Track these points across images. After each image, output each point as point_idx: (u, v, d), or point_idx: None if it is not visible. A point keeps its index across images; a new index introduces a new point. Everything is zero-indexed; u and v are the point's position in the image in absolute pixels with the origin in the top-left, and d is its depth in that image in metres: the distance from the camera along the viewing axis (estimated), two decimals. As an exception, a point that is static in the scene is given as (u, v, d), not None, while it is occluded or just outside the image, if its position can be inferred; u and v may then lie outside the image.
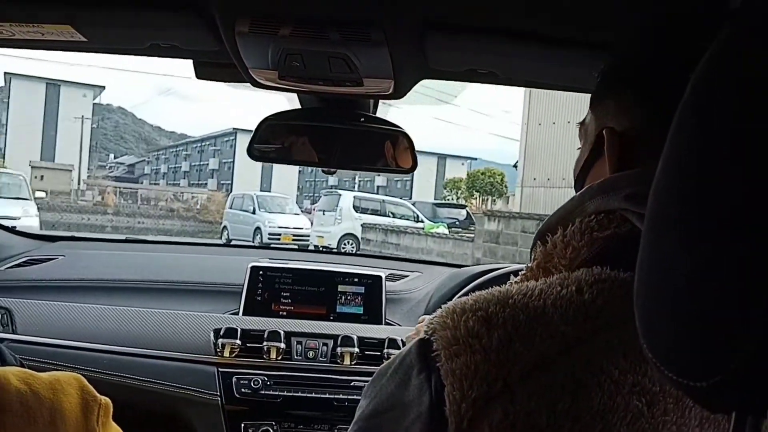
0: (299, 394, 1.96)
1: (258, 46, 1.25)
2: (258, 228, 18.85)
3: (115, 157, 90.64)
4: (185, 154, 71.96)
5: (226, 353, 1.96)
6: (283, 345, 1.99)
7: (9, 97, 50.94)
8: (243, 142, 50.13)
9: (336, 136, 1.73)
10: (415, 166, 1.75)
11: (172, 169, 73.98)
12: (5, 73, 50.21)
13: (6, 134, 50.12)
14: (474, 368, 0.62)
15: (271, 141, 1.73)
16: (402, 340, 1.99)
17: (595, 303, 0.64)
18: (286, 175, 53.70)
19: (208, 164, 64.46)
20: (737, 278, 0.40)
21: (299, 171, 54.88)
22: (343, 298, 2.20)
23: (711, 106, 0.43)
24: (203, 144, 68.04)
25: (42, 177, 41.01)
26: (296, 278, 2.21)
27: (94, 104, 53.66)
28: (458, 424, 0.62)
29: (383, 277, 2.24)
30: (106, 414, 0.93)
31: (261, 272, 2.19)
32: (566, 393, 0.60)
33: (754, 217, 0.39)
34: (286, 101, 1.79)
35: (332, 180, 48.78)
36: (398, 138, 1.73)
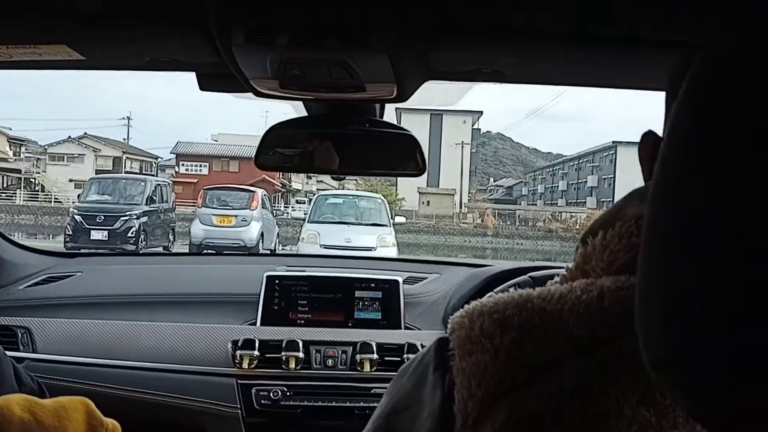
0: (319, 403, 1.95)
1: (256, 56, 1.23)
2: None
3: (494, 181, 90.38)
4: (562, 173, 71.31)
5: (245, 364, 1.95)
6: (301, 354, 1.98)
7: None
8: (624, 155, 51.48)
9: (343, 142, 1.72)
10: (424, 167, 1.74)
11: (549, 189, 73.49)
12: (396, 108, 50.68)
13: None
14: (483, 367, 0.62)
15: (278, 150, 1.72)
16: (422, 345, 1.98)
17: (614, 309, 0.63)
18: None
19: (586, 182, 62.94)
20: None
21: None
22: (361, 304, 2.19)
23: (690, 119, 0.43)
24: (580, 161, 66.80)
25: (428, 202, 44.17)
26: (312, 286, 2.20)
27: (473, 129, 55.23)
28: (464, 421, 0.62)
29: (400, 281, 2.23)
30: None
31: (277, 281, 2.18)
32: (573, 398, 0.60)
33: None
34: (293, 110, 1.78)
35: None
36: (405, 140, 1.72)
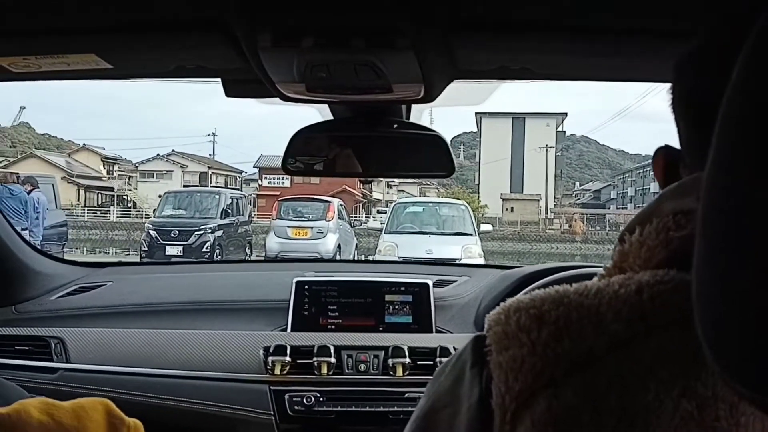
0: (353, 408, 1.94)
1: (282, 60, 1.23)
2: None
3: (580, 185, 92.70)
4: (653, 175, 71.70)
5: (277, 371, 1.95)
6: (333, 360, 1.97)
7: (480, 135, 54.95)
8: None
9: (370, 145, 1.71)
10: (453, 168, 1.71)
11: (640, 192, 72.74)
12: (476, 113, 54.34)
13: (479, 170, 53.91)
14: (521, 361, 0.62)
15: (305, 154, 1.71)
16: (454, 347, 1.95)
17: (653, 303, 0.62)
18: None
19: (677, 182, 63.12)
20: None
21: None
22: (391, 308, 2.17)
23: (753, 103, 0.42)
24: (673, 161, 67.13)
25: (512, 208, 44.03)
26: (342, 291, 2.19)
27: (557, 132, 55.12)
28: (503, 416, 0.62)
29: (431, 284, 2.21)
30: None
31: (306, 287, 2.18)
32: (611, 391, 0.59)
33: None
34: (318, 113, 1.77)
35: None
36: (433, 141, 1.70)
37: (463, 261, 11.36)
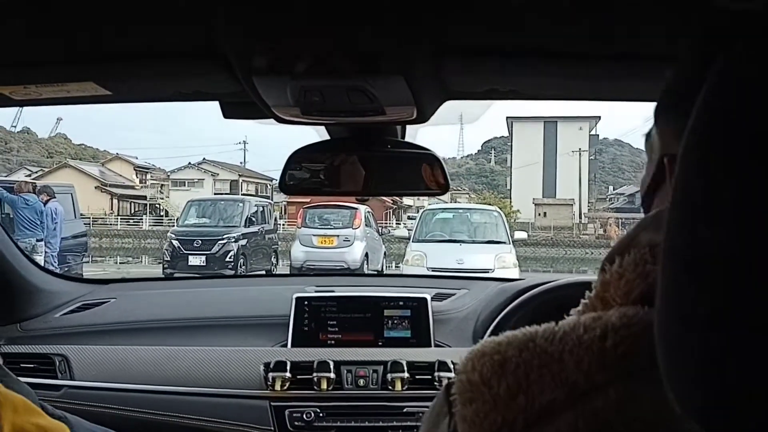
0: (352, 423, 1.96)
1: (276, 85, 1.26)
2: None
3: (614, 189, 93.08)
4: None
5: (277, 386, 1.97)
6: (333, 375, 1.99)
7: (512, 140, 54.46)
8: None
9: (366, 164, 1.73)
10: (447, 186, 1.73)
11: None
12: (507, 117, 53.81)
13: (511, 175, 53.52)
14: (483, 416, 0.62)
15: (303, 174, 1.74)
16: (452, 362, 1.96)
17: (616, 351, 0.61)
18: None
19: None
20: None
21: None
22: (390, 322, 2.19)
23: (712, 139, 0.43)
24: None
25: (545, 214, 43.57)
26: (341, 306, 2.21)
27: (590, 135, 54.50)
28: None
29: (429, 298, 2.23)
30: None
31: (306, 302, 2.21)
32: None
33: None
34: (315, 133, 1.80)
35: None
36: (427, 159, 1.72)
37: (497, 272, 10.88)
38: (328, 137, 1.75)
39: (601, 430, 0.59)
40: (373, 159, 1.73)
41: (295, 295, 2.21)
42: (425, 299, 2.22)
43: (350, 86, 1.25)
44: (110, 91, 1.41)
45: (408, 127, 1.81)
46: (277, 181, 1.77)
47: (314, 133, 1.76)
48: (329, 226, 15.55)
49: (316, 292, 2.29)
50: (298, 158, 1.70)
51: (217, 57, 1.20)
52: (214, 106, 1.66)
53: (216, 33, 1.12)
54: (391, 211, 40.08)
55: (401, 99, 1.34)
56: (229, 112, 1.66)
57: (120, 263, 23.43)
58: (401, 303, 2.22)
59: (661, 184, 0.75)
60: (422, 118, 1.55)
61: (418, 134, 1.88)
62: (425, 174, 1.72)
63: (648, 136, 0.80)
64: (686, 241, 0.44)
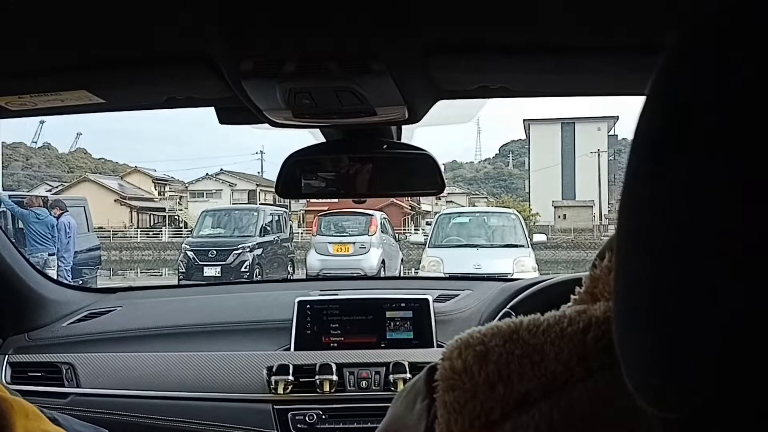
0: (355, 425, 1.97)
1: (265, 88, 1.27)
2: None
3: None
4: None
5: (280, 390, 1.99)
6: (335, 377, 2.00)
7: (529, 142, 54.01)
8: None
9: (362, 166, 1.73)
10: (443, 185, 1.74)
11: None
12: (524, 120, 53.81)
13: (529, 178, 53.03)
14: (463, 403, 0.61)
15: (299, 177, 1.75)
16: None
17: (597, 344, 0.61)
18: None
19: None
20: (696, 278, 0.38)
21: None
22: (392, 324, 2.19)
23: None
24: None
25: (565, 216, 42.96)
26: (343, 309, 2.22)
27: (608, 136, 53.74)
28: None
29: (431, 299, 2.23)
30: None
31: (308, 306, 2.21)
32: None
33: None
34: (311, 136, 1.81)
35: None
36: (423, 160, 1.72)
37: (516, 276, 10.03)
38: (323, 140, 1.77)
39: (575, 422, 0.58)
40: (369, 160, 1.73)
41: (297, 299, 2.22)
42: (427, 300, 2.22)
43: (339, 87, 1.26)
44: (103, 99, 1.43)
45: (404, 128, 1.82)
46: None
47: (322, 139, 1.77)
48: (345, 234, 15.41)
49: (318, 295, 2.31)
50: (294, 162, 1.71)
51: (206, 62, 1.21)
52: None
53: (204, 36, 1.14)
54: (409, 217, 39.95)
55: (391, 99, 1.35)
56: (224, 118, 1.68)
57: (141, 274, 23.57)
58: (403, 304, 2.22)
59: None
60: (414, 118, 1.56)
61: (414, 135, 1.90)
62: (422, 174, 1.73)
63: None
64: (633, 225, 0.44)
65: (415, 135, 1.89)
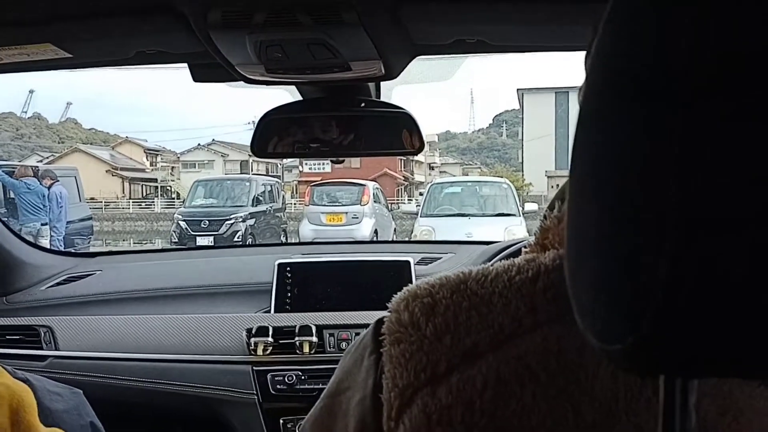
0: None
1: (234, 40, 1.25)
2: None
3: None
4: None
5: (260, 351, 1.98)
6: (315, 339, 2.00)
7: (523, 112, 53.48)
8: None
9: (339, 124, 1.72)
10: (422, 146, 1.72)
11: None
12: (517, 89, 53.28)
13: (522, 148, 52.57)
14: (409, 356, 0.61)
15: (274, 136, 1.73)
16: None
17: (546, 294, 0.61)
18: None
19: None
20: (636, 230, 0.39)
21: None
22: (373, 285, 2.18)
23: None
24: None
25: (558, 186, 42.90)
26: (324, 271, 2.21)
27: None
28: (388, 412, 0.61)
29: (412, 261, 2.21)
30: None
31: (288, 268, 2.20)
32: (486, 389, 0.58)
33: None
34: (288, 95, 1.78)
35: None
36: (402, 119, 1.70)
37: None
38: (300, 98, 1.74)
39: (522, 374, 0.58)
40: (347, 119, 1.72)
41: (277, 261, 2.21)
42: (408, 262, 2.21)
43: (310, 39, 1.24)
44: (70, 53, 1.40)
45: (382, 89, 1.80)
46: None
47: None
48: (337, 204, 15.44)
49: (298, 258, 2.29)
50: (269, 121, 1.70)
51: (172, 13, 1.19)
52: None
53: None
54: (402, 187, 40.01)
55: (365, 53, 1.33)
56: (198, 75, 1.65)
57: (134, 245, 23.54)
58: (384, 267, 2.22)
59: None
60: (391, 74, 1.54)
61: (392, 94, 1.87)
62: (400, 134, 1.70)
63: None
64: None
65: (395, 96, 1.87)
